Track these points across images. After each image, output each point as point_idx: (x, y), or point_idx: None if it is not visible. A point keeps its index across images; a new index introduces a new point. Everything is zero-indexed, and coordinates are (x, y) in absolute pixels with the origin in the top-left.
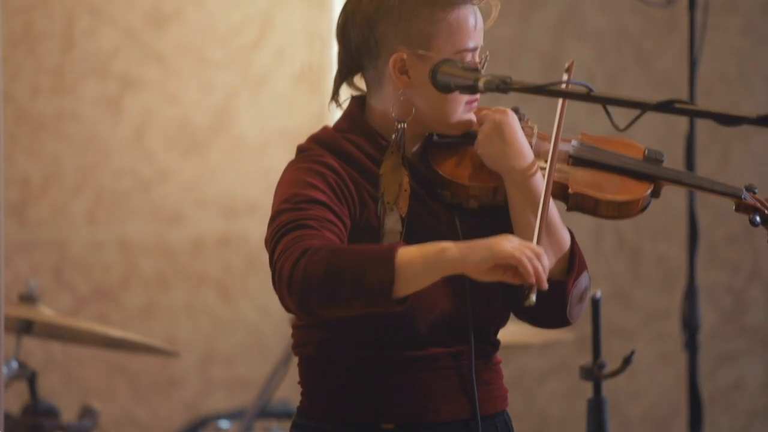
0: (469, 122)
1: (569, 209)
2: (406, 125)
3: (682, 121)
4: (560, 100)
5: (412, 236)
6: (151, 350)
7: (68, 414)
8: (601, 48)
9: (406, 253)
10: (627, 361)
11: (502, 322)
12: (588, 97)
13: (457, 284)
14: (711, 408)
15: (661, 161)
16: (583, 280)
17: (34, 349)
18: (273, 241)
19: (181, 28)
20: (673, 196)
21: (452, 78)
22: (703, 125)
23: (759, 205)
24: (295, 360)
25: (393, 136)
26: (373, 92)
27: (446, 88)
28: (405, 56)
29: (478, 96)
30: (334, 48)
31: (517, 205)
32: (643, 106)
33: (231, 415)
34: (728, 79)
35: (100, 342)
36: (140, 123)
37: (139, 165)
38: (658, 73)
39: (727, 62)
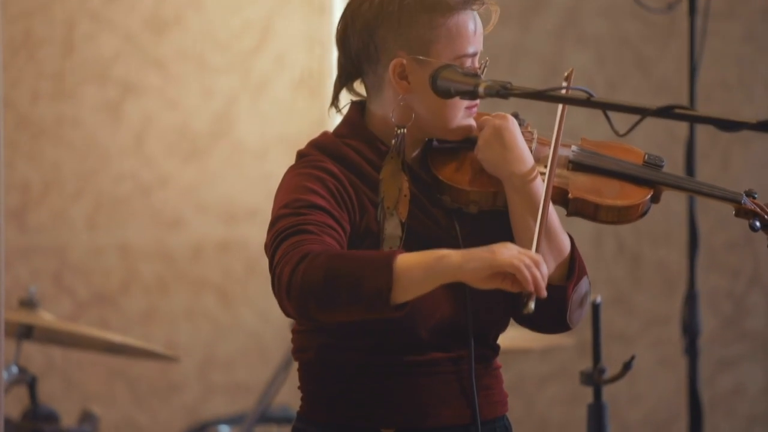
0: (469, 127)
1: (569, 214)
2: (405, 130)
3: (682, 127)
4: (560, 106)
5: (411, 241)
6: (151, 355)
7: (68, 419)
8: (601, 54)
9: (405, 260)
10: (627, 366)
11: (503, 327)
12: (588, 102)
13: (457, 289)
14: (711, 413)
15: (661, 166)
16: (583, 285)
17: (35, 354)
18: (273, 245)
19: (182, 34)
20: (673, 202)
21: (452, 83)
22: (703, 131)
23: (759, 210)
24: (295, 365)
25: (393, 141)
26: (373, 98)
27: (446, 94)
28: (405, 62)
29: (477, 101)
30: (334, 54)
31: (517, 210)
32: (643, 112)
33: (231, 420)
34: (728, 85)
35: (100, 347)
36: (140, 128)
37: (140, 170)
38: (658, 78)
39: (727, 68)
